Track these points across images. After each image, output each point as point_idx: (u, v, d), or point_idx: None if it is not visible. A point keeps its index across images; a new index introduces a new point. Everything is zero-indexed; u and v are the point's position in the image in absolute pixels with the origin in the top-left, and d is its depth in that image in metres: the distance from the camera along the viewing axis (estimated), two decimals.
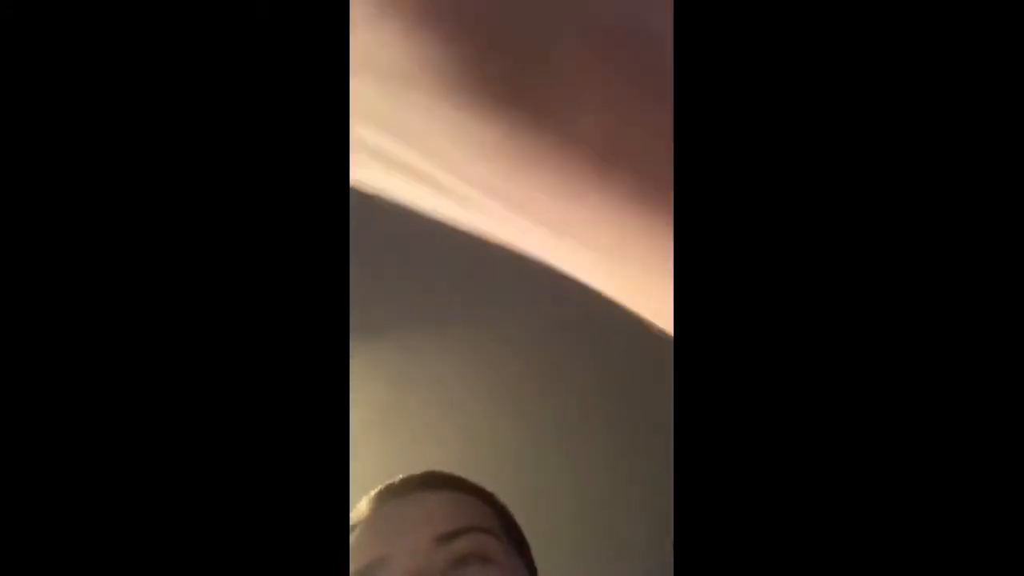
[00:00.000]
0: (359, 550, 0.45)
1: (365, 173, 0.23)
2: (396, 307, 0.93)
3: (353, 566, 0.44)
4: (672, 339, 0.31)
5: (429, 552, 0.43)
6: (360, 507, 0.50)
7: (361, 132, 0.21)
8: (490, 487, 0.53)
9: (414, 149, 0.20)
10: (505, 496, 0.89)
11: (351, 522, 0.49)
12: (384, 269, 0.96)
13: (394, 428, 0.98)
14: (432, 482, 0.51)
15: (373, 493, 0.50)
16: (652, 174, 0.20)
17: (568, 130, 0.19)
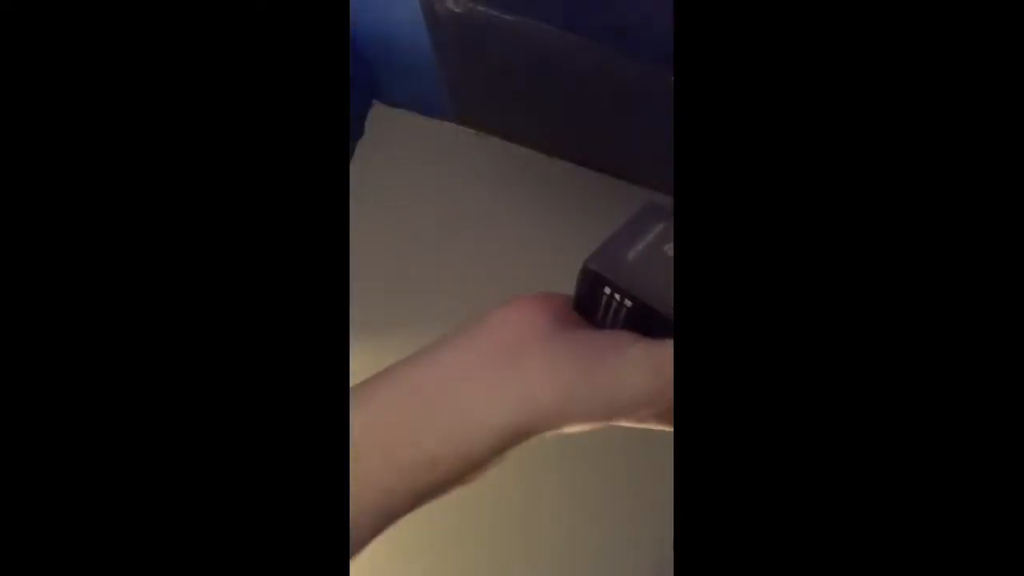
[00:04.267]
0: None
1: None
2: (396, 307, 0.93)
3: None
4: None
5: None
6: None
7: None
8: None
9: None
10: (505, 496, 0.89)
11: None
12: (384, 269, 0.96)
13: None
14: None
15: None
16: None
17: None
